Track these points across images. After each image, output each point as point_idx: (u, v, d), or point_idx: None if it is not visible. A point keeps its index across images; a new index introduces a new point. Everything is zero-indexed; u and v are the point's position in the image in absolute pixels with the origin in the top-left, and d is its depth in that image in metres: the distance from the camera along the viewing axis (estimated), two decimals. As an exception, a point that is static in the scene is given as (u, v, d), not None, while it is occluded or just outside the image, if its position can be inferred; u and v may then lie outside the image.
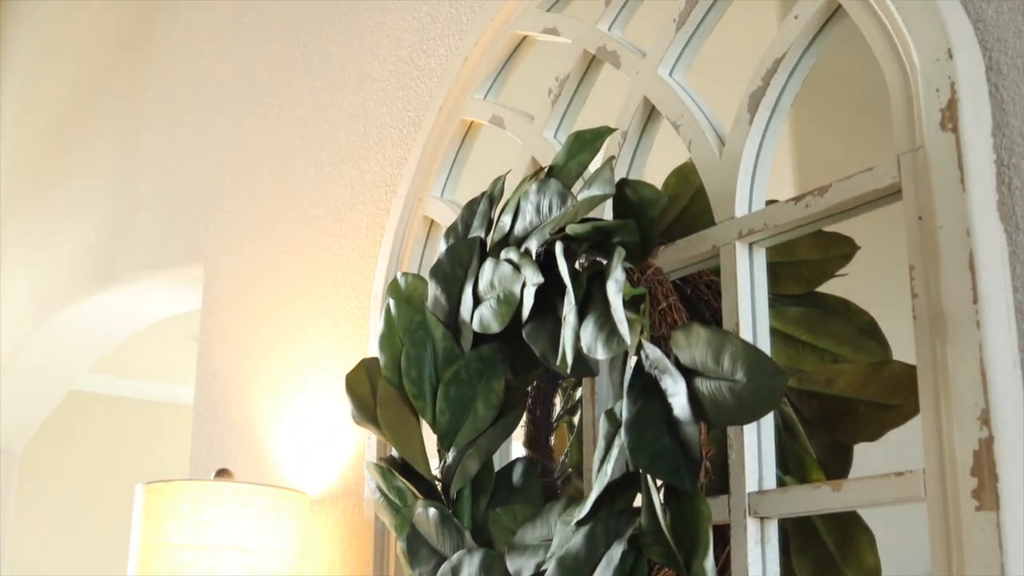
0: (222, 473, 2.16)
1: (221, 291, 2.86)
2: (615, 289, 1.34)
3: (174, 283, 3.30)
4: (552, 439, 1.85)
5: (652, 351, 1.35)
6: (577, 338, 1.39)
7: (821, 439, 1.52)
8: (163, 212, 3.29)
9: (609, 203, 1.55)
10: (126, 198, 3.61)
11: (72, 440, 6.54)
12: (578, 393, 1.80)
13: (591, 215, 1.50)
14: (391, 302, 1.76)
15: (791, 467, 1.50)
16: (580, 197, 1.48)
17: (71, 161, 4.27)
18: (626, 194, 1.47)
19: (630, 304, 1.42)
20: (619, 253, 1.37)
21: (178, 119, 3.36)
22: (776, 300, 1.57)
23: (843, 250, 1.58)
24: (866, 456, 1.54)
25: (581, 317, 1.40)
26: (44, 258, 4.32)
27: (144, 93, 3.69)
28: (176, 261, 3.14)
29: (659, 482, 1.35)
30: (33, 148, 4.85)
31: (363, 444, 2.13)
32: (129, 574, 2.06)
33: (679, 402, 1.30)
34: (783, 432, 1.50)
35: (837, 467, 1.50)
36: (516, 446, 1.86)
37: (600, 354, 1.35)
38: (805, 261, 1.59)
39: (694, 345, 1.30)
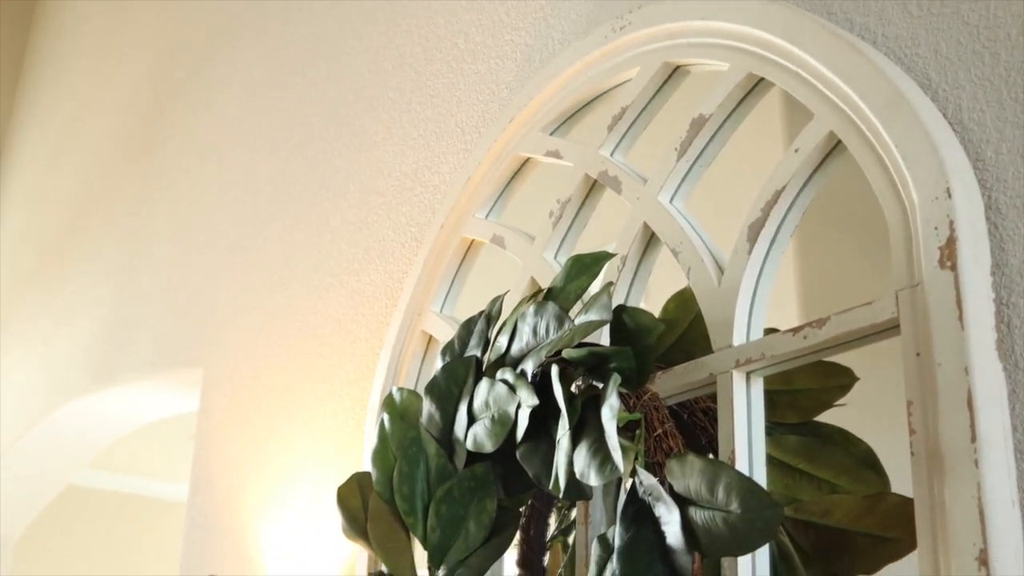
0: (210, 583, 2.13)
1: (219, 395, 2.85)
2: (609, 415, 1.33)
3: (173, 384, 3.30)
4: (546, 559, 1.83)
5: (646, 478, 1.34)
6: (571, 463, 1.38)
7: (818, 571, 1.49)
8: (164, 314, 3.29)
9: (606, 328, 1.56)
10: (127, 299, 3.62)
11: (67, 533, 6.49)
12: (573, 514, 1.79)
13: (588, 340, 1.50)
14: (385, 416, 1.75)
15: (786, 600, 1.47)
16: (577, 321, 1.48)
17: (74, 261, 4.29)
18: (623, 320, 1.47)
19: (625, 429, 1.41)
20: (615, 379, 1.37)
21: (182, 223, 3.38)
22: (774, 428, 1.56)
23: (842, 380, 1.58)
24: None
25: (575, 442, 1.39)
26: (45, 354, 4.32)
27: (149, 197, 3.72)
28: (175, 363, 3.14)
29: (651, 612, 1.33)
30: (37, 247, 4.88)
31: (354, 558, 2.11)
32: None
33: (672, 530, 1.29)
34: (779, 562, 1.48)
35: (833, 601, 1.48)
36: (509, 565, 1.83)
37: (593, 480, 1.34)
38: (803, 390, 1.58)
39: (688, 474, 1.29)
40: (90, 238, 4.19)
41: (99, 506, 6.67)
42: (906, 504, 1.41)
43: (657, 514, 1.32)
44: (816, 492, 1.54)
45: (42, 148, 5.22)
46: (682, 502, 1.30)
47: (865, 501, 1.47)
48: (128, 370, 3.46)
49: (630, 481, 1.36)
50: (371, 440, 1.79)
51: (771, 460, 1.52)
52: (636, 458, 1.37)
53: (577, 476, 1.37)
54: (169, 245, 3.43)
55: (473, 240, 2.05)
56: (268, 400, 2.62)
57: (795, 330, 1.39)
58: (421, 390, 1.80)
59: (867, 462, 1.55)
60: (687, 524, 1.29)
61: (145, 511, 6.75)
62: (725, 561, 1.37)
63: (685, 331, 1.66)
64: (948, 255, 1.24)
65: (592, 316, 1.45)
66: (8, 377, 4.77)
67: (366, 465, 1.81)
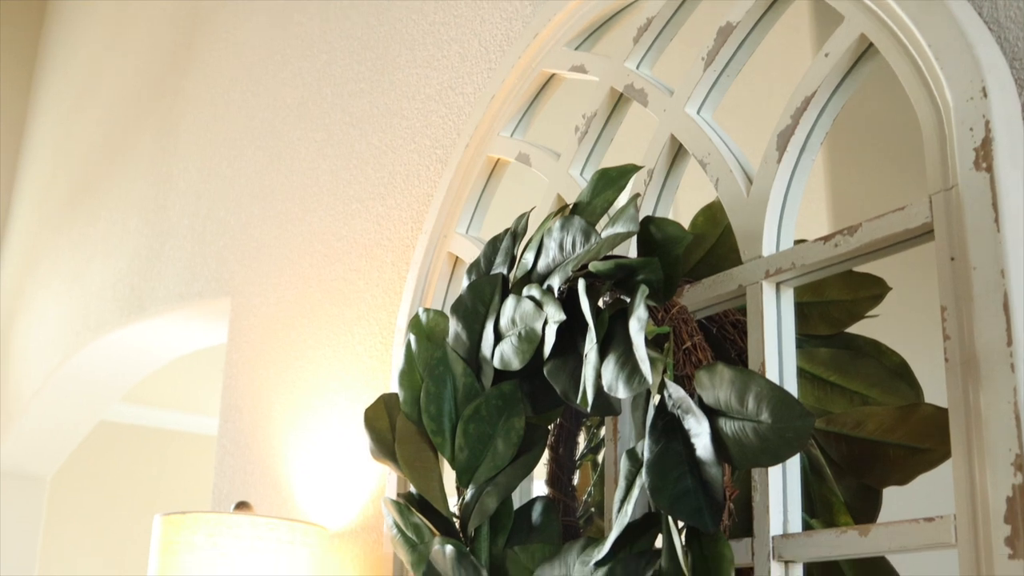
0: (241, 506, 2.14)
1: (247, 324, 2.85)
2: (637, 327, 1.31)
3: (202, 316, 3.30)
4: (575, 478, 1.82)
5: (675, 390, 1.32)
6: (598, 376, 1.37)
7: (849, 482, 1.48)
8: (192, 245, 3.29)
9: (634, 241, 1.53)
10: (156, 231, 3.62)
11: (101, 468, 6.57)
12: (602, 432, 1.78)
13: (615, 253, 1.48)
14: (412, 338, 1.74)
15: (818, 510, 1.46)
16: (604, 234, 1.45)
17: (103, 195, 4.29)
18: (651, 232, 1.44)
19: (653, 343, 1.39)
20: (642, 291, 1.35)
21: (209, 152, 3.37)
22: (804, 340, 1.54)
23: (874, 291, 1.55)
24: (895, 502, 1.50)
25: (602, 355, 1.37)
26: (76, 290, 4.34)
27: (176, 128, 3.71)
28: (204, 294, 3.14)
29: (681, 524, 1.32)
30: (66, 183, 4.89)
31: (383, 479, 2.11)
32: (145, 608, 2.04)
33: (702, 442, 1.27)
34: (810, 474, 1.47)
35: (865, 511, 1.46)
36: (538, 484, 1.83)
37: (621, 393, 1.32)
38: (835, 301, 1.56)
39: (718, 385, 1.27)
40: (117, 173, 4.19)
41: (131, 441, 6.74)
42: (939, 414, 1.40)
43: (687, 427, 1.30)
44: (848, 404, 1.53)
45: (68, 86, 5.22)
46: (712, 414, 1.29)
47: (898, 412, 1.45)
48: (158, 302, 3.47)
49: (659, 395, 1.34)
50: (398, 362, 1.78)
51: (802, 373, 1.50)
52: (665, 371, 1.35)
53: (605, 389, 1.35)
54: (196, 176, 3.42)
55: (498, 159, 2.02)
56: (296, 327, 2.61)
57: (826, 238, 1.36)
58: (447, 311, 1.79)
59: (900, 373, 1.53)
60: (717, 436, 1.27)
61: (177, 445, 6.82)
62: (755, 473, 1.36)
63: (714, 246, 1.63)
64: (983, 156, 1.21)
65: (619, 228, 1.43)
66: (40, 314, 4.80)
67: (393, 387, 1.80)
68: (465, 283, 1.70)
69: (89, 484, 6.53)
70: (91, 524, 6.51)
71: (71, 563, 6.38)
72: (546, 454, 1.78)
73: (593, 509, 1.78)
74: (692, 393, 1.32)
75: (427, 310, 1.76)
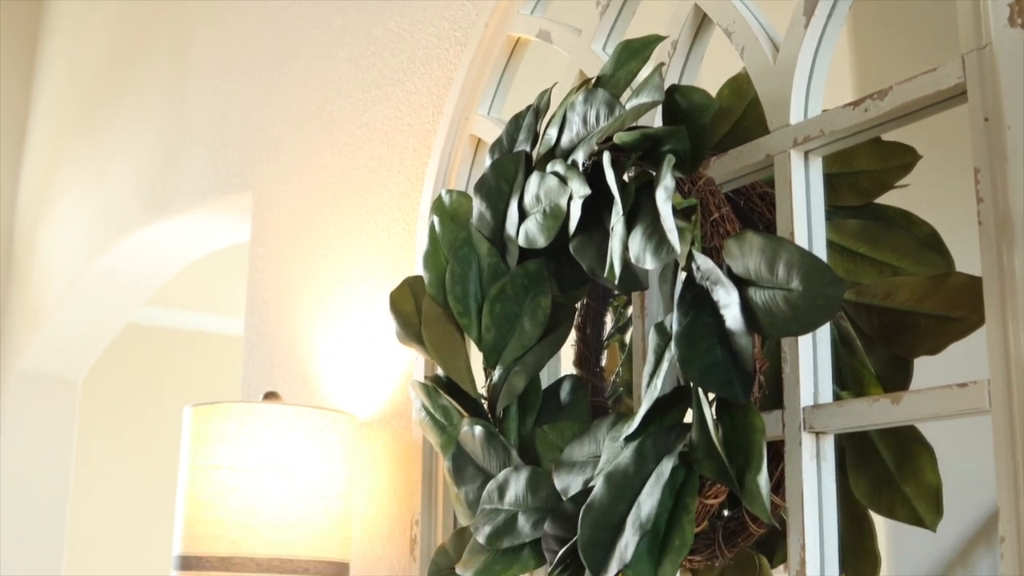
0: (270, 395, 2.14)
1: (270, 217, 2.84)
2: (664, 196, 1.29)
3: (225, 211, 3.29)
4: (603, 359, 1.82)
5: (703, 262, 1.30)
6: (625, 248, 1.35)
7: (880, 354, 1.47)
8: (212, 141, 3.27)
9: (659, 112, 1.50)
10: (176, 129, 3.60)
11: (130, 371, 6.64)
12: (629, 311, 1.76)
13: (640, 124, 1.45)
14: (435, 219, 1.72)
15: (848, 382, 1.45)
16: (628, 106, 1.43)
17: (120, 97, 4.27)
18: (676, 101, 1.42)
19: (680, 215, 1.37)
20: (668, 160, 1.32)
21: (225, 46, 3.33)
22: (833, 212, 1.51)
23: (904, 159, 1.52)
24: (925, 374, 1.49)
25: (629, 227, 1.36)
26: (98, 192, 4.33)
27: (191, 24, 3.67)
28: (226, 189, 3.13)
29: (711, 396, 1.31)
30: (82, 88, 4.87)
31: (411, 366, 2.11)
32: (178, 496, 2.05)
33: (731, 313, 1.26)
34: (840, 347, 1.46)
35: (896, 382, 1.45)
36: (566, 367, 1.82)
37: (649, 264, 1.30)
38: (864, 171, 1.53)
39: (747, 253, 1.25)
40: (134, 73, 4.16)
41: (160, 343, 6.79)
42: (972, 283, 1.38)
43: (716, 298, 1.28)
44: (878, 276, 1.51)
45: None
46: (741, 284, 1.27)
47: (929, 281, 1.43)
48: (180, 200, 3.46)
49: (685, 272, 1.33)
50: (422, 247, 1.77)
51: (831, 245, 1.48)
52: (693, 242, 1.33)
53: (632, 261, 1.33)
54: (213, 71, 3.39)
55: (519, 38, 1.98)
56: (319, 218, 2.60)
57: (855, 103, 1.33)
58: (471, 192, 1.77)
59: (930, 243, 1.50)
60: (747, 306, 1.26)
61: (205, 346, 6.88)
62: (785, 344, 1.34)
63: (740, 119, 1.60)
64: (1019, 11, 1.17)
65: (643, 98, 1.40)
66: (64, 219, 4.80)
67: (418, 271, 1.79)
68: (488, 163, 1.68)
69: (119, 387, 6.60)
70: (123, 425, 6.60)
71: (105, 463, 6.49)
72: (573, 335, 1.77)
73: (621, 389, 1.77)
74: (720, 265, 1.31)
75: (450, 191, 1.74)
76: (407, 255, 2.22)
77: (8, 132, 5.88)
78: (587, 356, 1.80)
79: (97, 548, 6.38)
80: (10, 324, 5.59)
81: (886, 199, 1.53)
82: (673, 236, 1.27)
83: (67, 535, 5.44)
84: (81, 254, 4.45)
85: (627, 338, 1.79)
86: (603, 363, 1.82)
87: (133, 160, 3.98)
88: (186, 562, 1.99)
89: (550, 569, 1.43)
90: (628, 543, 1.29)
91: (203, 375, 6.48)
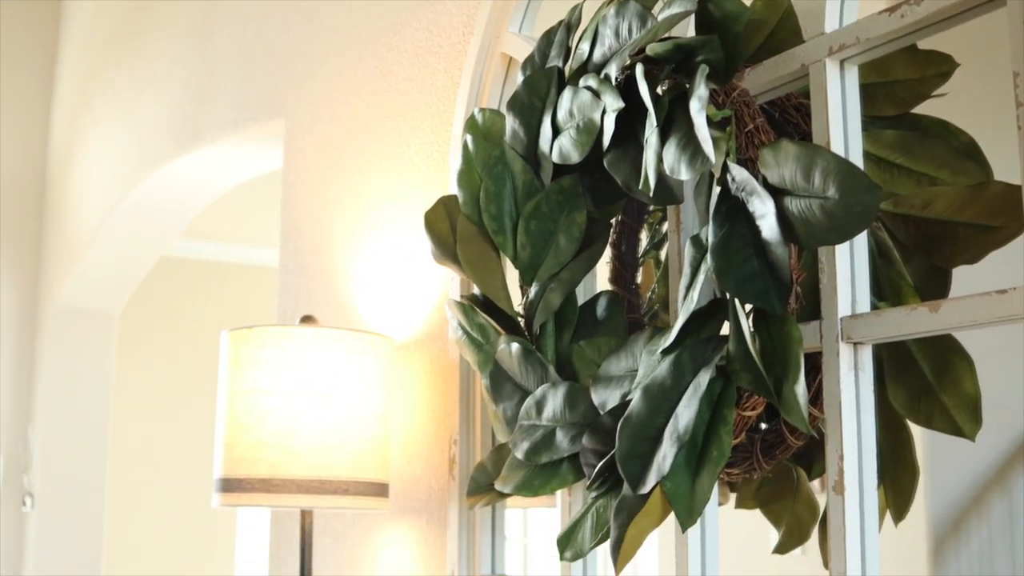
0: (306, 319, 2.15)
1: (302, 144, 2.83)
2: (698, 106, 1.28)
3: (256, 140, 3.29)
4: (639, 276, 1.81)
5: (738, 172, 1.29)
6: (659, 160, 1.34)
7: (918, 265, 1.46)
8: (242, 69, 3.26)
9: (691, 24, 1.49)
10: (206, 59, 3.59)
11: (166, 304, 6.70)
12: (664, 227, 1.76)
13: (672, 35, 1.44)
14: (468, 138, 1.72)
15: (886, 294, 1.44)
16: (660, 17, 1.41)
17: (150, 28, 4.25)
18: (708, 10, 1.40)
19: (715, 126, 1.36)
20: (702, 70, 1.31)
21: (253, -27, 3.32)
22: (870, 123, 1.50)
23: (941, 68, 1.50)
24: (963, 287, 1.48)
25: (663, 139, 1.35)
26: (130, 125, 4.34)
27: (219, -51, 3.65)
28: (257, 117, 3.12)
29: (748, 307, 1.31)
30: (114, 17, 4.85)
31: (446, 288, 2.12)
32: (217, 420, 2.07)
33: (767, 223, 1.25)
34: (877, 258, 1.45)
35: (935, 293, 1.44)
36: (602, 285, 1.82)
37: (684, 174, 1.30)
38: (900, 81, 1.51)
39: (783, 162, 1.25)
40: (164, 3, 4.14)
41: (195, 275, 6.84)
42: (1011, 191, 1.36)
43: (751, 209, 1.28)
44: (915, 186, 1.49)
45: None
46: (777, 193, 1.26)
47: (967, 191, 1.42)
48: (212, 129, 3.46)
49: (720, 184, 1.32)
50: (455, 168, 1.76)
51: (868, 156, 1.47)
52: (728, 153, 1.32)
53: (667, 172, 1.33)
54: (241, -1, 3.37)
55: (549, -47, 1.97)
56: (351, 142, 2.60)
57: (891, 9, 1.31)
58: (503, 110, 1.76)
59: (969, 153, 1.48)
60: (782, 215, 1.25)
61: (240, 277, 6.92)
62: (822, 255, 1.34)
63: (774, 31, 1.57)
64: (1059, -91, 1.15)
65: (675, 9, 1.39)
66: (96, 153, 4.82)
67: (452, 191, 1.79)
68: (520, 80, 1.67)
69: (155, 320, 6.66)
70: (160, 357, 6.67)
71: (143, 394, 6.56)
72: (608, 253, 1.77)
73: (657, 305, 1.77)
74: (756, 175, 1.30)
75: (483, 110, 1.74)
76: (440, 177, 2.22)
77: (38, 67, 5.88)
78: (623, 273, 1.80)
79: (139, 475, 6.48)
80: (48, 261, 5.64)
81: (923, 109, 1.52)
82: (708, 146, 1.26)
83: (109, 464, 5.52)
84: (114, 189, 4.46)
85: (662, 255, 1.78)
86: (639, 280, 1.81)
87: (164, 92, 3.98)
88: (227, 484, 2.02)
89: (588, 483, 1.44)
90: (666, 455, 1.30)
91: (238, 306, 6.51)
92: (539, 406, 1.56)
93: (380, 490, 2.06)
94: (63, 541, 5.35)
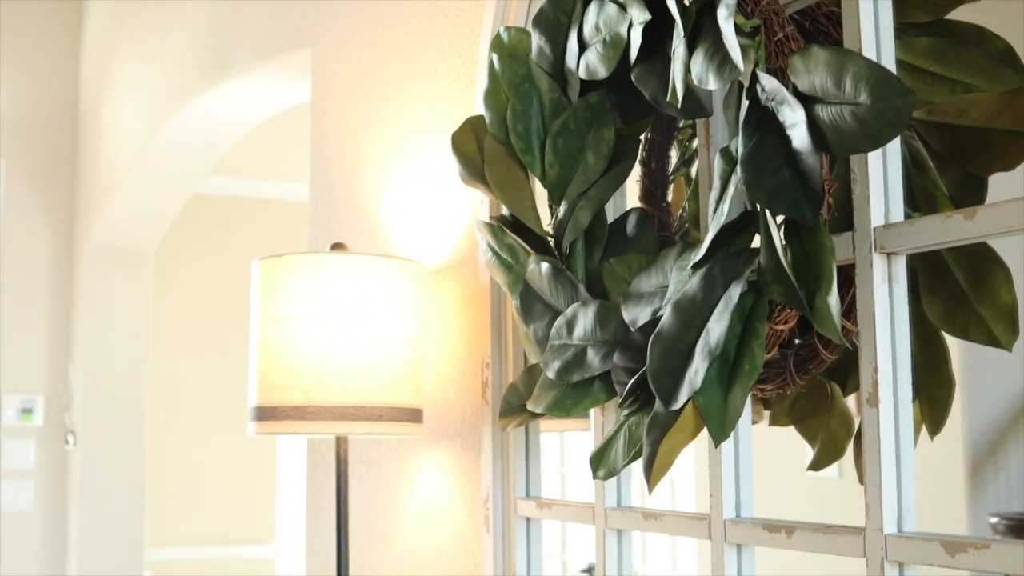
0: (337, 247, 2.15)
1: (329, 72, 2.82)
2: (726, 14, 1.25)
3: (283, 71, 3.28)
4: (669, 194, 1.79)
5: (768, 81, 1.27)
6: (687, 71, 1.32)
7: (952, 174, 1.43)
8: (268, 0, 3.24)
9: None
10: (231, -11, 3.58)
11: (199, 240, 6.74)
12: (694, 144, 1.74)
13: (700, -56, 1.41)
14: (494, 57, 1.69)
15: (920, 204, 1.42)
16: (688, -75, 1.38)
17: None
18: (737, -83, 1.37)
19: (744, 35, 1.33)
20: (730, -23, 1.28)
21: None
22: (902, 30, 1.47)
23: (976, -28, 1.46)
24: (998, 195, 1.45)
25: (691, 49, 1.32)
26: (159, 63, 4.33)
27: None
28: (284, 47, 3.11)
29: (779, 219, 1.29)
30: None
31: (475, 212, 2.10)
32: (250, 349, 2.08)
33: (798, 132, 1.23)
34: (911, 168, 1.42)
35: (970, 201, 1.42)
36: (632, 204, 1.80)
37: (712, 84, 1.27)
38: (934, -14, 1.48)
39: (813, 69, 1.22)
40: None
41: (227, 212, 6.86)
42: (1049, 96, 1.33)
43: (781, 118, 1.25)
44: (950, 94, 1.46)
45: None
46: (807, 101, 1.24)
47: (1003, 97, 1.39)
48: (239, 62, 3.45)
49: (749, 95, 1.29)
50: (482, 89, 1.74)
51: (901, 64, 1.44)
52: (756, 63, 1.29)
53: (695, 83, 1.30)
54: (264, -72, 3.34)
55: None
56: (378, 68, 2.58)
57: (925, -90, 1.28)
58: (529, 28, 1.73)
59: (1005, 59, 1.45)
60: (813, 124, 1.23)
61: (270, 213, 6.94)
62: (854, 163, 1.31)
63: (804, -61, 1.55)
64: None
65: (702, -85, 1.35)
66: (126, 92, 4.82)
67: (480, 112, 1.77)
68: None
69: (189, 256, 6.70)
70: (195, 292, 6.72)
71: (180, 329, 6.62)
72: (637, 170, 1.75)
73: (688, 223, 1.75)
74: (786, 85, 1.27)
75: (508, 28, 1.71)
76: (468, 100, 2.20)
77: (66, 10, 5.88)
78: (652, 191, 1.78)
79: (179, 409, 6.56)
80: (82, 202, 5.67)
81: (957, 14, 1.48)
82: (736, 54, 1.24)
83: (148, 399, 5.58)
84: (144, 127, 4.47)
85: (692, 171, 1.76)
86: (669, 198, 1.79)
87: (190, 27, 3.96)
88: (261, 412, 2.02)
89: (620, 400, 1.43)
90: (698, 370, 1.29)
91: (270, 241, 6.53)
92: (570, 325, 1.55)
93: (414, 415, 2.06)
94: (106, 477, 5.42)
